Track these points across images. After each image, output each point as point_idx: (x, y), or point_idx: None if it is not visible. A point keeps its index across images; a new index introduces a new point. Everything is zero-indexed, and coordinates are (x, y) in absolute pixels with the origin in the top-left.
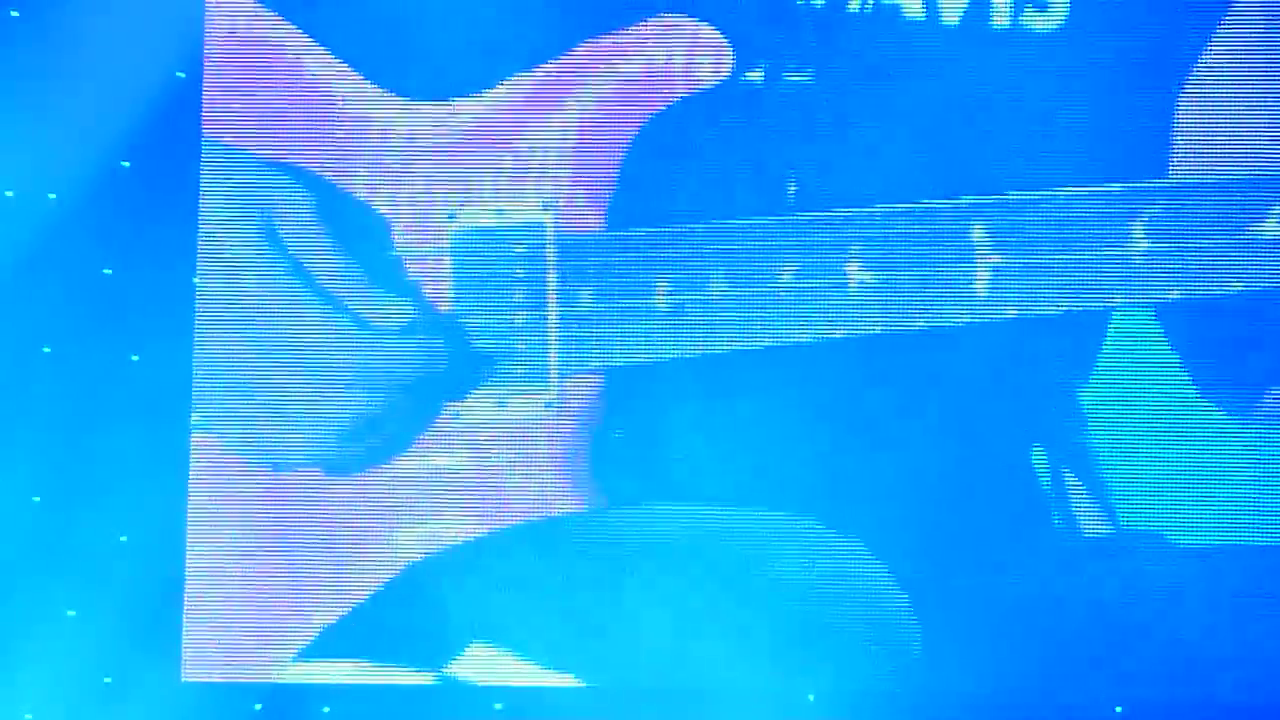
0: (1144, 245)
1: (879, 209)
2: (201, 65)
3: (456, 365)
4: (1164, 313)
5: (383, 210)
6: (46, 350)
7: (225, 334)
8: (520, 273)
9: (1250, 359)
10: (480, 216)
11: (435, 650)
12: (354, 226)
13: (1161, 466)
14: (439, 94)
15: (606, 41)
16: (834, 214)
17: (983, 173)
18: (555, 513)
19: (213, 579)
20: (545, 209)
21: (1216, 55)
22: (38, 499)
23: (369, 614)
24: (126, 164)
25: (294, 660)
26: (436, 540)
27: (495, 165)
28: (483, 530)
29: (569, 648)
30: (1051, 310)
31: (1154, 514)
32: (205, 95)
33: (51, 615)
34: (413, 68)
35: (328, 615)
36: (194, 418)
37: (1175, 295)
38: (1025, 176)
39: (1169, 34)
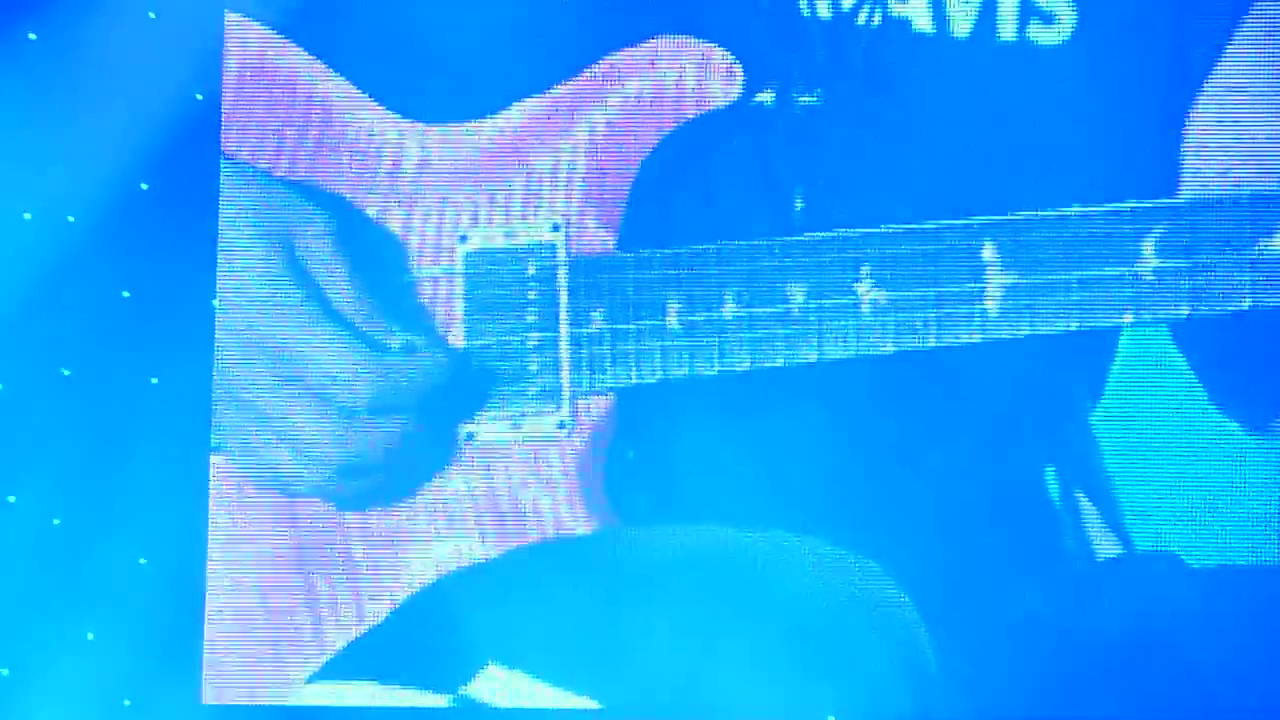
0: (1154, 263)
1: (890, 229)
2: (220, 87)
3: (472, 389)
4: (1175, 330)
5: (395, 232)
6: (66, 373)
7: (244, 357)
8: (532, 294)
9: (1264, 375)
10: (492, 238)
11: (450, 672)
12: (373, 250)
13: (1174, 486)
14: (451, 117)
15: (617, 63)
16: (845, 234)
17: (993, 191)
18: (569, 533)
19: (232, 602)
20: (556, 230)
21: (1226, 71)
22: (57, 522)
23: (383, 636)
24: (145, 186)
25: (308, 682)
26: (451, 561)
27: (506, 187)
28: (496, 551)
29: (584, 669)
30: (1063, 329)
31: (1168, 535)
32: (224, 117)
33: (71, 638)
34: (424, 91)
35: (342, 637)
36: (213, 441)
37: (1186, 312)
38: (1035, 194)
39: (1178, 49)
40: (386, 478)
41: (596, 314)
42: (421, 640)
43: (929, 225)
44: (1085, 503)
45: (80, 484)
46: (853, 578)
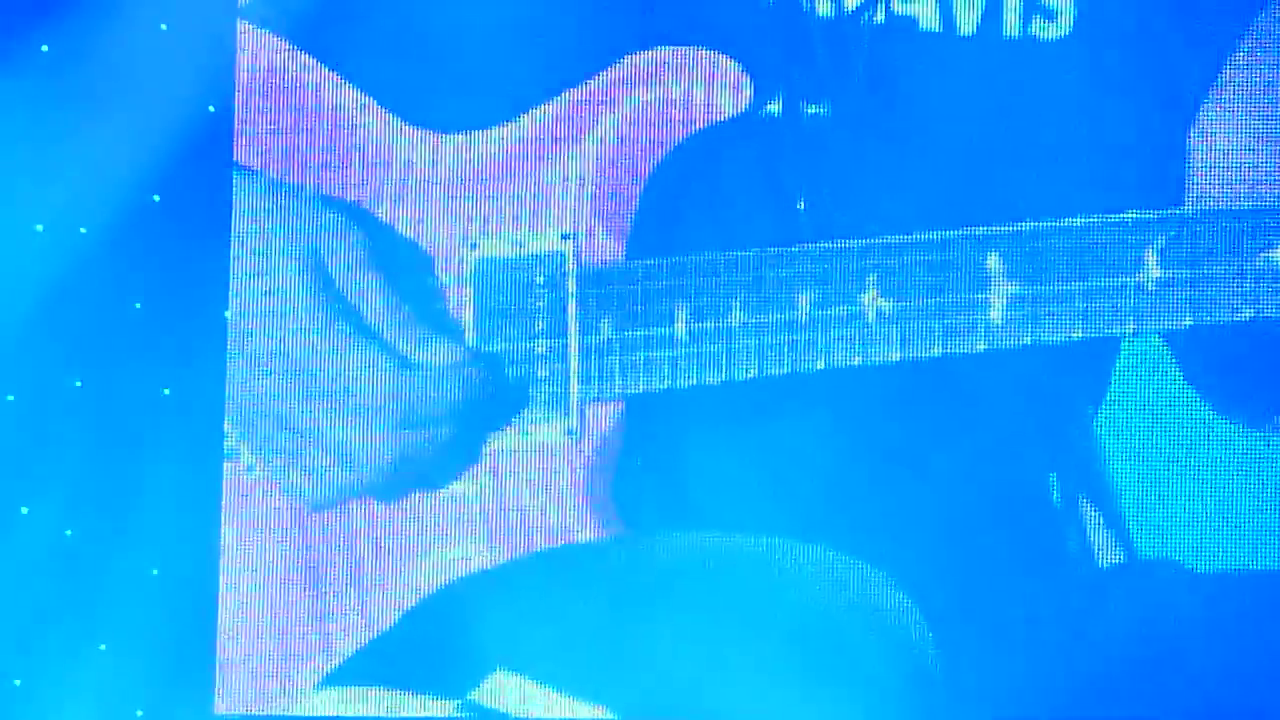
0: (1157, 273)
1: (896, 239)
2: (232, 99)
3: (486, 398)
4: (1174, 338)
5: (412, 239)
6: (78, 384)
7: (256, 367)
8: (541, 302)
9: (1264, 382)
10: (501, 247)
11: (458, 679)
12: (390, 258)
13: (1176, 493)
14: (461, 126)
15: (626, 73)
16: (852, 244)
17: (999, 198)
18: (577, 539)
19: (244, 611)
20: (566, 239)
21: (1230, 80)
22: (70, 532)
23: (392, 643)
24: (157, 198)
25: (317, 689)
26: (458, 568)
27: (516, 196)
28: (504, 558)
29: (591, 675)
30: (1066, 337)
31: (1171, 541)
32: (236, 127)
33: (83, 648)
34: (435, 100)
35: (351, 644)
36: (226, 449)
37: (1189, 322)
38: (1042, 199)
39: (1182, 45)
40: (408, 484)
41: (605, 322)
42: (430, 647)
43: (934, 235)
44: (1089, 509)
45: (92, 495)
46: (859, 585)
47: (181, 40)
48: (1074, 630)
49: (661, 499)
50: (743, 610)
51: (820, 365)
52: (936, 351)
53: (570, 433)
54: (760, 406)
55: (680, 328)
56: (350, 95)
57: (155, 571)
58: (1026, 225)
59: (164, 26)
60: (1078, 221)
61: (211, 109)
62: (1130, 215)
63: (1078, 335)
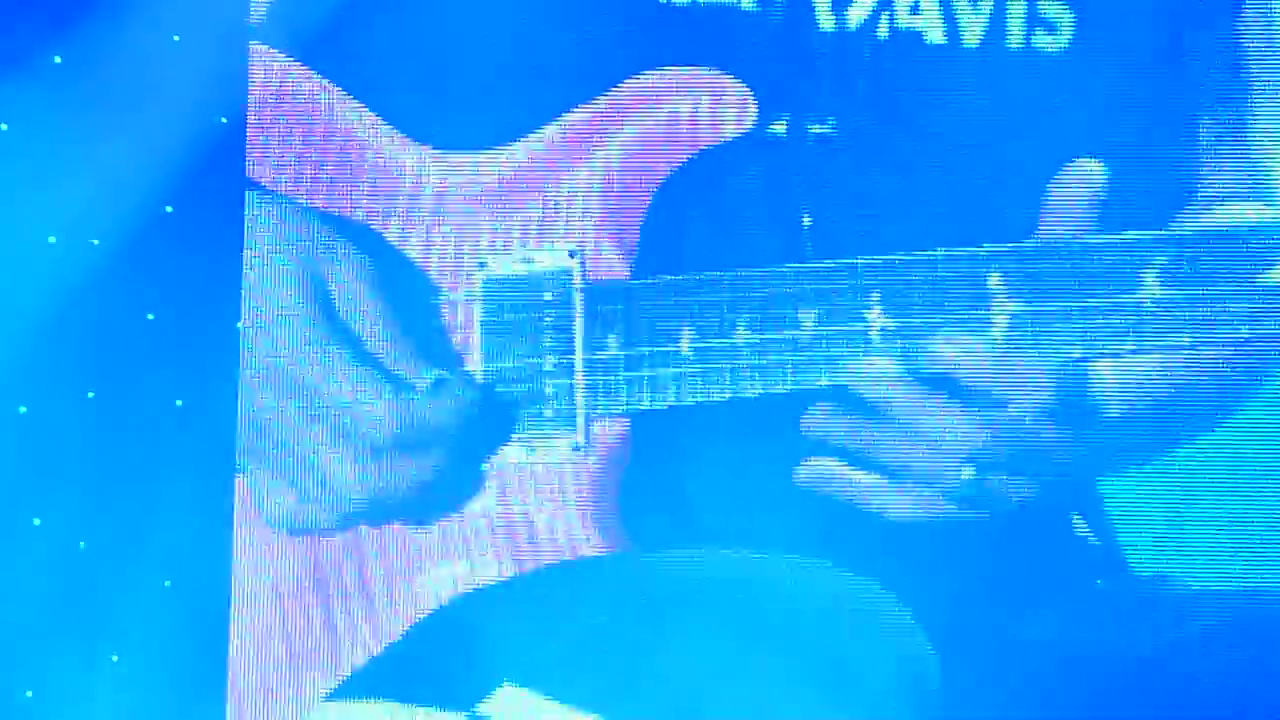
0: (1156, 292)
1: (900, 256)
2: (245, 110)
3: (498, 423)
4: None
5: (414, 257)
6: (90, 395)
7: (269, 379)
8: (548, 319)
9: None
10: (509, 264)
11: (465, 691)
12: (398, 277)
13: (1177, 510)
14: (470, 145)
15: (633, 93)
16: (856, 262)
17: (999, 219)
18: (584, 554)
19: (256, 624)
20: (573, 257)
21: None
22: (82, 544)
23: (399, 655)
24: (170, 209)
25: (325, 700)
26: (466, 582)
27: (524, 214)
28: (512, 572)
29: (598, 689)
30: (1067, 356)
31: (1172, 558)
32: (248, 141)
33: (95, 660)
34: (444, 120)
35: (360, 656)
36: (238, 462)
37: (1187, 341)
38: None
39: (1181, 58)
40: (409, 509)
41: (611, 339)
42: (437, 659)
43: (937, 253)
44: (1090, 529)
45: (105, 506)
46: (865, 602)
47: (193, 52)
48: (1079, 651)
49: (667, 514)
50: (749, 625)
51: (824, 382)
52: (940, 368)
53: (577, 448)
54: (766, 423)
55: (685, 345)
56: (360, 114)
57: (168, 583)
58: (1028, 244)
59: (176, 38)
60: (1078, 241)
61: (224, 120)
62: (1130, 235)
63: (1077, 354)
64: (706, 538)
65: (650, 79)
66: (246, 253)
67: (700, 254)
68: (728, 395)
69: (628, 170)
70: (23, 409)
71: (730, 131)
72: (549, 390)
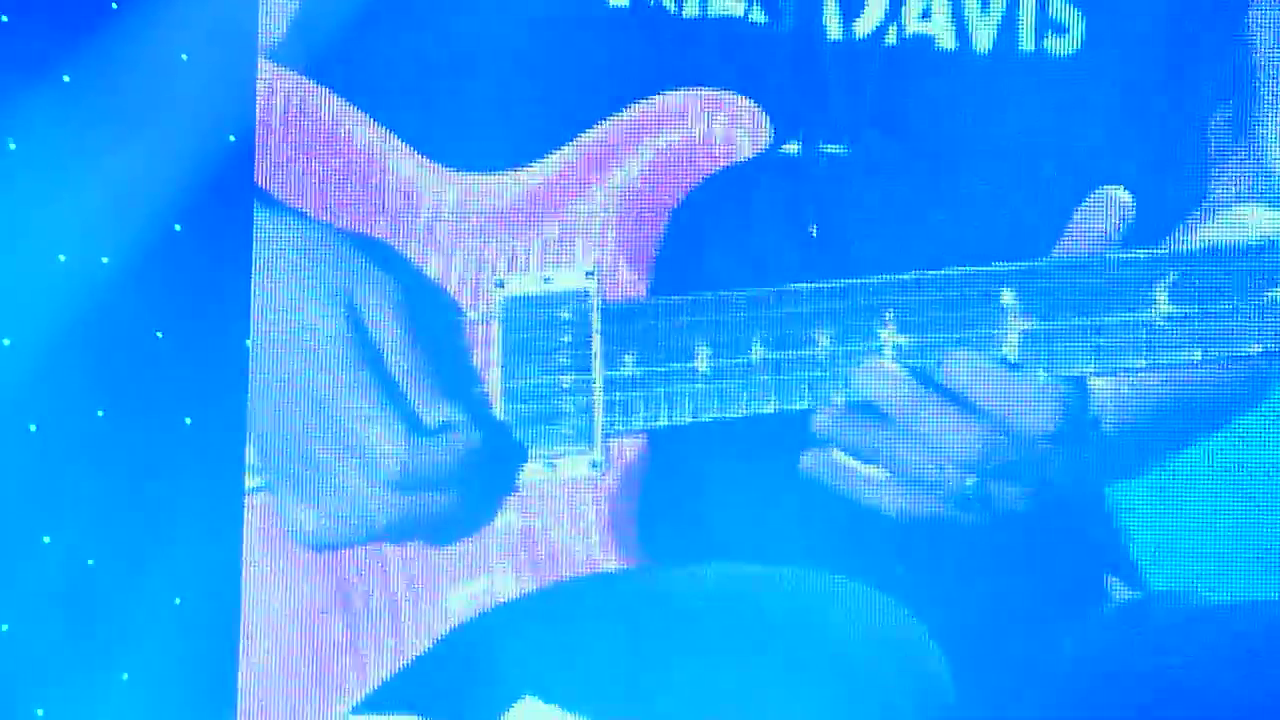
0: (1168, 309)
1: (914, 275)
2: (254, 129)
3: (511, 462)
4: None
5: (434, 276)
6: (100, 413)
7: (277, 397)
8: (566, 338)
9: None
10: (527, 284)
11: (487, 706)
12: (416, 298)
13: (1193, 523)
14: (488, 165)
15: (648, 114)
16: (871, 281)
17: (1014, 233)
18: (602, 570)
19: (267, 641)
20: (590, 276)
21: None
22: (91, 562)
23: (420, 671)
24: (179, 227)
25: (348, 716)
26: (486, 598)
27: (542, 234)
28: (531, 588)
29: (618, 704)
30: (1080, 372)
31: (1187, 573)
32: (257, 159)
33: (105, 678)
34: (462, 140)
35: (376, 673)
36: (248, 480)
37: (1199, 356)
38: (1050, 239)
39: (1191, 62)
40: (428, 528)
41: (628, 358)
42: (457, 675)
43: (951, 272)
44: (1106, 541)
45: (114, 524)
46: (882, 617)
47: (201, 70)
48: (1096, 667)
49: (685, 530)
50: (767, 641)
51: (839, 400)
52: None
53: (595, 465)
54: (782, 439)
55: (702, 363)
56: (376, 132)
57: (178, 600)
58: (1041, 261)
59: (184, 57)
60: (1090, 258)
61: (232, 138)
62: (1141, 253)
63: (1091, 370)
64: (724, 554)
65: (665, 100)
66: (263, 270)
67: (716, 273)
68: (744, 413)
69: (644, 191)
70: (32, 427)
71: (745, 152)
72: (567, 408)
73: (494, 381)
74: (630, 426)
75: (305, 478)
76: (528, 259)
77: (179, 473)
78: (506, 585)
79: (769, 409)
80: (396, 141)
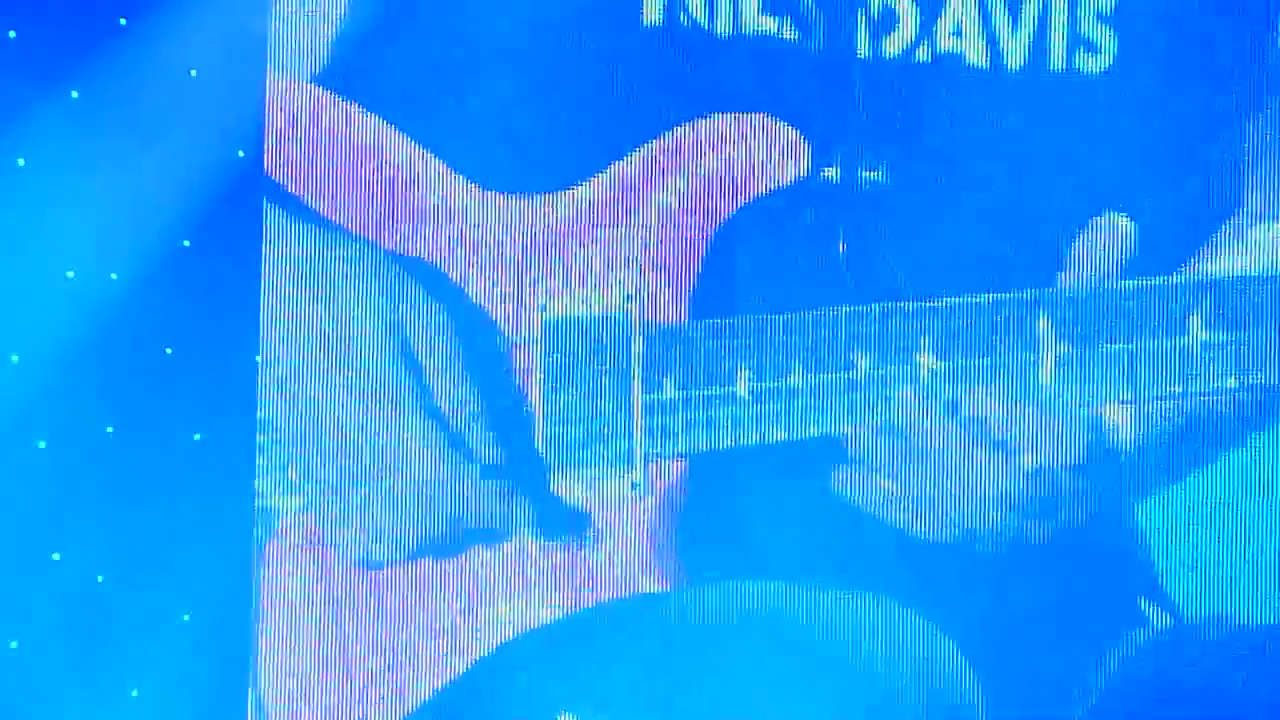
0: (1202, 336)
1: (950, 301)
2: (262, 144)
3: (544, 494)
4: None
5: (476, 299)
6: (109, 430)
7: (287, 412)
8: (607, 361)
9: None
10: (570, 307)
11: None
12: (461, 321)
13: (1220, 551)
14: (530, 188)
15: (688, 140)
16: (908, 306)
17: (1050, 257)
18: (641, 591)
19: (278, 659)
20: (630, 300)
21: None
22: (101, 578)
23: (458, 692)
24: (187, 243)
25: None
26: (526, 618)
27: (583, 258)
28: (572, 608)
29: None
30: (1114, 399)
31: (1216, 597)
32: (268, 175)
33: (115, 695)
34: (506, 166)
35: (417, 694)
36: (256, 497)
37: (1232, 384)
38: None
39: (1229, 87)
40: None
41: (668, 381)
42: (495, 696)
43: (986, 299)
44: (1137, 569)
45: (124, 541)
46: (918, 638)
47: (211, 86)
48: (1126, 691)
49: (724, 552)
50: (805, 661)
51: (876, 424)
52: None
53: (635, 486)
54: (820, 463)
55: (742, 387)
56: (423, 158)
57: (187, 617)
58: (1075, 289)
59: (193, 73)
60: (1125, 285)
61: (241, 154)
62: (1176, 280)
63: (1127, 397)
64: (763, 575)
65: (705, 125)
66: (264, 282)
67: (755, 298)
68: (784, 436)
69: (684, 216)
70: (42, 443)
71: (784, 177)
72: (607, 431)
73: (536, 404)
74: (670, 450)
75: (352, 499)
76: (569, 282)
77: (188, 489)
78: (547, 606)
79: (810, 433)
80: (440, 165)
